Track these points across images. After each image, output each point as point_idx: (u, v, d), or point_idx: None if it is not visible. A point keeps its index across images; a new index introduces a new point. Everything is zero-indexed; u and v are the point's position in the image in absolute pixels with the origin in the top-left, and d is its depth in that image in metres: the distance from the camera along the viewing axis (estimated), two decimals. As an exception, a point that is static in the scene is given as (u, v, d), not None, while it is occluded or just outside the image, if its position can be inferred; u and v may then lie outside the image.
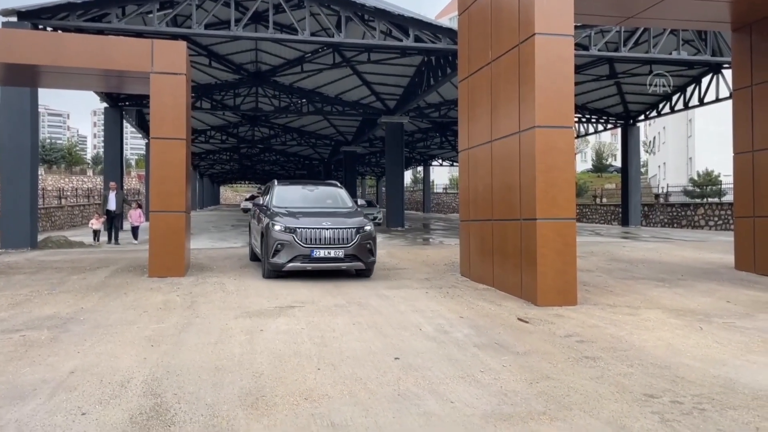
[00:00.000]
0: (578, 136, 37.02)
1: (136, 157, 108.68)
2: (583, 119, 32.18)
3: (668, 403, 4.35)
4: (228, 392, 4.51)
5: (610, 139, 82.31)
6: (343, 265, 10.05)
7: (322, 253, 9.78)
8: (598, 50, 18.68)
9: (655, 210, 32.17)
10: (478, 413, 4.14)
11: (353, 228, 10.03)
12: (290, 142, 41.55)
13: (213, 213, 51.05)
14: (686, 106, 27.19)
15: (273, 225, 9.94)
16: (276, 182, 12.17)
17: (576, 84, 24.69)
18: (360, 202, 28.99)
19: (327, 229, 9.86)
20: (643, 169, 57.09)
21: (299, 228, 9.83)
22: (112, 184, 19.64)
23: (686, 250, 16.00)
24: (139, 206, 19.45)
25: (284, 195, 11.65)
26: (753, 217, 11.65)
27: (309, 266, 9.85)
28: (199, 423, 3.89)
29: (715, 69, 23.58)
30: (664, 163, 59.41)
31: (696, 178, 44.05)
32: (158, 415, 4.03)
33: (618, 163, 63.08)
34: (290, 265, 9.79)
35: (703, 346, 5.98)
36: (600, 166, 69.95)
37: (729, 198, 34.65)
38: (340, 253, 9.84)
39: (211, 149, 48.66)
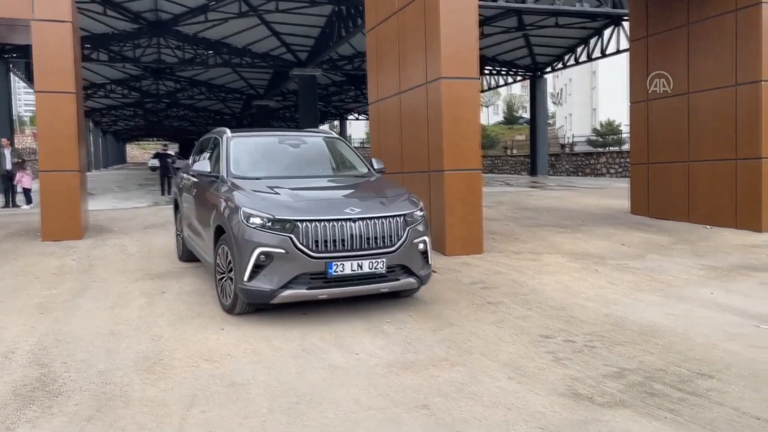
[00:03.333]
0: (489, 89, 37.66)
1: (31, 114, 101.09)
2: (494, 71, 32.65)
3: (561, 343, 4.56)
4: (123, 358, 4.31)
5: (521, 91, 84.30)
6: (385, 287, 5.23)
7: (347, 266, 4.98)
8: (506, 1, 18.83)
9: (562, 159, 33.48)
10: (382, 363, 4.18)
11: (399, 215, 5.26)
12: (198, 96, 39.81)
13: (119, 172, 48.55)
14: (589, 58, 28.12)
15: (244, 214, 5.05)
16: (228, 133, 6.57)
17: (485, 36, 24.93)
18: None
19: (355, 219, 5.05)
20: (551, 121, 59.10)
21: (302, 220, 4.96)
22: (4, 140, 17.79)
23: (588, 197, 16.77)
24: (22, 167, 17.16)
25: (247, 155, 6.41)
26: (647, 163, 12.30)
27: (324, 293, 5.05)
28: (89, 392, 3.70)
29: (616, 21, 24.40)
30: (571, 114, 61.71)
31: (599, 128, 46.02)
32: (44, 385, 3.81)
33: (528, 115, 64.93)
34: (286, 293, 4.95)
35: (597, 287, 6.31)
36: (511, 118, 71.71)
37: (628, 146, 36.50)
38: (380, 265, 5.07)
39: (113, 104, 45.88)
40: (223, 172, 6.06)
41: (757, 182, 9.86)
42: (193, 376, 3.96)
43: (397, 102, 9.82)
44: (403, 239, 5.21)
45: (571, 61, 29.53)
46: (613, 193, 17.79)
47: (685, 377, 3.83)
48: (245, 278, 4.95)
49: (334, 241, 4.97)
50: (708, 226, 10.44)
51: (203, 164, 6.28)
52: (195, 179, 6.90)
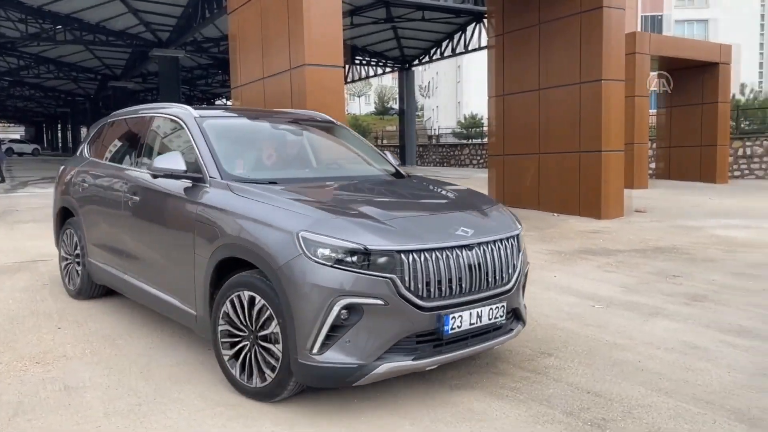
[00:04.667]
0: (360, 79, 37.98)
1: None
2: (364, 62, 32.96)
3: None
4: (-66, 366, 3.80)
5: (392, 82, 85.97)
6: (500, 341, 3.56)
7: (465, 319, 3.21)
8: (374, -8, 18.99)
9: (429, 150, 34.60)
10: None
11: (512, 237, 3.61)
12: (46, 74, 36.41)
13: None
14: (454, 53, 29.24)
15: (307, 242, 3.04)
16: (193, 111, 4.33)
17: (355, 26, 25.07)
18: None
19: (471, 246, 3.30)
20: (420, 113, 60.82)
21: (408, 251, 3.07)
22: None
23: (452, 187, 17.39)
24: None
25: (237, 146, 4.39)
26: (503, 155, 12.99)
27: (434, 362, 3.19)
28: None
29: (478, 18, 25.53)
30: (438, 107, 63.92)
31: (463, 120, 48.04)
32: None
33: (399, 106, 66.27)
34: (383, 369, 3.02)
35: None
36: (383, 109, 72.87)
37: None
38: (500, 311, 3.40)
39: (-57, 81, 40.80)
40: (209, 172, 3.77)
41: (597, 174, 10.76)
42: (20, 381, 3.58)
43: (261, 87, 9.55)
44: (518, 272, 3.55)
45: (437, 55, 30.53)
46: (473, 183, 18.60)
47: (528, 356, 4.06)
48: (313, 348, 2.97)
49: (450, 280, 3.13)
50: (556, 214, 11.24)
51: (173, 159, 3.82)
52: (134, 182, 4.45)
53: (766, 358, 4.00)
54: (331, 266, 2.96)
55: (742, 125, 22.27)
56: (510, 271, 3.47)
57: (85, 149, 5.79)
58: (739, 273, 6.57)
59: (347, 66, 32.09)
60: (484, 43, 25.80)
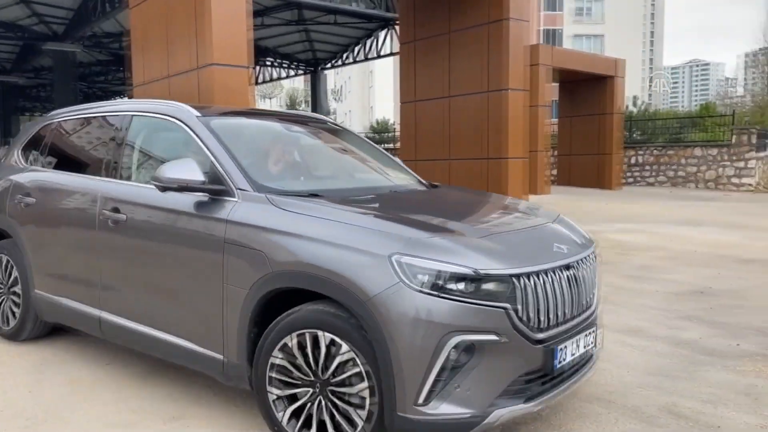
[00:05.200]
0: (270, 80, 37.37)
1: None
2: (275, 63, 32.49)
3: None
4: None
5: (303, 85, 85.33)
6: (590, 374, 3.07)
7: (569, 349, 2.78)
8: (285, -7, 18.77)
9: (341, 154, 34.53)
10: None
11: (593, 250, 3.25)
12: None
13: None
14: (366, 57, 29.39)
15: (410, 269, 2.46)
16: (194, 111, 3.56)
17: (266, 27, 24.66)
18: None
19: (569, 265, 2.86)
20: (332, 116, 60.73)
21: (519, 275, 2.58)
22: None
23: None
24: None
25: (256, 152, 3.71)
26: (415, 160, 13.16)
27: (543, 401, 2.69)
28: None
29: (389, 24, 25.81)
30: (350, 111, 64.13)
31: (375, 125, 48.45)
32: None
33: (310, 109, 65.79)
34: (498, 414, 2.51)
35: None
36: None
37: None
38: (593, 338, 3.02)
39: None
40: (236, 183, 3.09)
41: (503, 180, 11.13)
42: None
43: (166, 86, 9.15)
44: (597, 291, 3.18)
45: (349, 59, 30.59)
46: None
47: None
48: (419, 399, 2.46)
49: (556, 305, 2.73)
50: (465, 219, 11.52)
51: (187, 168, 3.09)
52: (116, 197, 3.61)
53: (658, 358, 4.25)
54: (438, 296, 2.42)
55: (634, 135, 23.80)
56: (594, 291, 3.10)
57: (17, 156, 4.64)
58: (632, 275, 6.97)
59: (257, 67, 31.51)
60: (395, 48, 26.11)
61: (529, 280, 2.58)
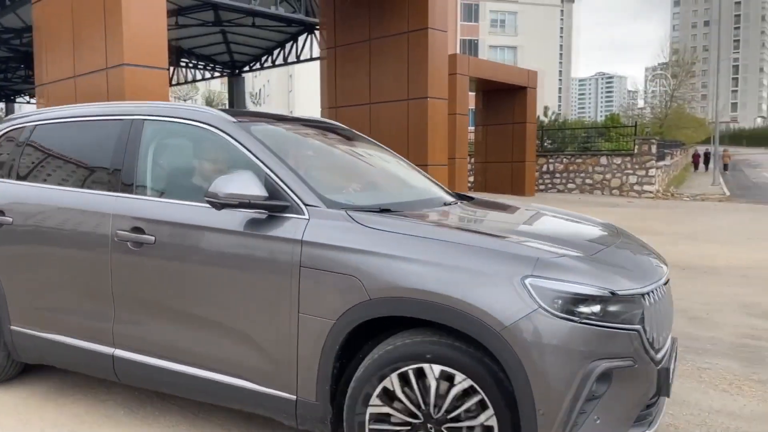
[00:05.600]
0: (186, 82, 36.24)
1: None
2: (191, 65, 31.56)
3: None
4: None
5: (220, 87, 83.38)
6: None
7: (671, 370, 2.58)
8: (202, -7, 18.27)
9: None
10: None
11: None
12: None
13: None
14: (285, 62, 29.05)
15: (553, 293, 2.24)
16: (227, 116, 3.14)
17: (181, 27, 23.90)
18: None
19: (666, 281, 2.75)
20: (250, 120, 59.38)
21: (645, 293, 2.43)
22: None
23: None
24: None
25: (302, 159, 3.38)
26: (335, 166, 13.12)
27: (655, 428, 2.50)
28: None
29: (310, 29, 25.65)
30: (269, 115, 63.13)
31: (296, 130, 48.03)
32: None
33: (227, 112, 63.97)
34: None
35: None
36: (210, 114, 70.05)
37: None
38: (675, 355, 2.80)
39: None
40: (303, 198, 2.73)
41: (424, 186, 11.28)
42: None
43: (72, 86, 8.66)
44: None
45: (269, 63, 30.15)
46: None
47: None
48: None
49: (664, 324, 2.60)
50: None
51: (245, 181, 2.69)
52: (140, 215, 3.09)
53: None
54: (577, 321, 2.21)
55: (546, 144, 24.82)
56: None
57: None
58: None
59: (172, 68, 30.48)
60: (316, 54, 25.98)
61: (651, 298, 2.43)
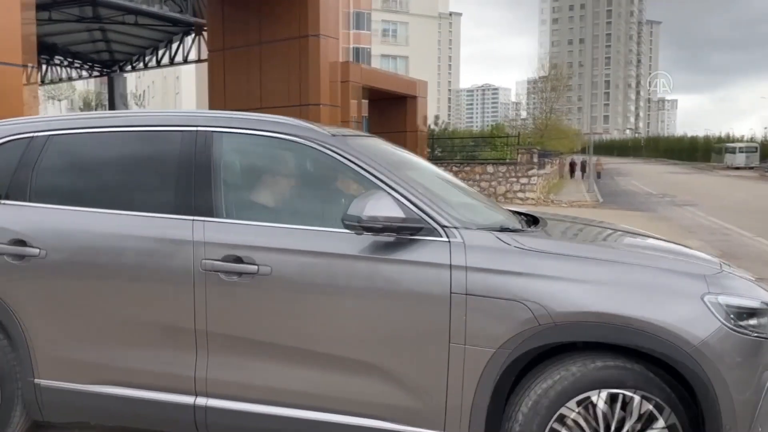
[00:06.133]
0: (61, 80, 33.90)
1: None
2: (65, 63, 29.50)
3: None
4: None
5: (100, 87, 78.63)
6: None
7: None
8: (77, -13, 17.12)
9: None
10: None
11: None
12: None
13: None
14: (171, 62, 27.89)
15: (735, 310, 2.33)
16: (323, 130, 2.80)
17: (55, 22, 22.26)
18: None
19: None
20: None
21: None
22: None
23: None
24: None
25: (414, 180, 2.75)
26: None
27: None
28: None
29: (198, 30, 24.77)
30: (154, 118, 60.40)
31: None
32: None
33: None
34: None
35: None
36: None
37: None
38: None
39: None
40: (441, 219, 2.52)
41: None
42: None
43: None
44: None
45: (153, 63, 28.79)
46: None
47: None
48: None
49: None
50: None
51: (385, 204, 2.45)
52: (244, 243, 2.64)
53: None
54: (749, 335, 2.27)
55: (437, 152, 25.52)
56: None
57: None
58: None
59: (45, 66, 28.31)
60: (204, 55, 25.14)
61: None
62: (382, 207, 2.41)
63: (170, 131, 2.91)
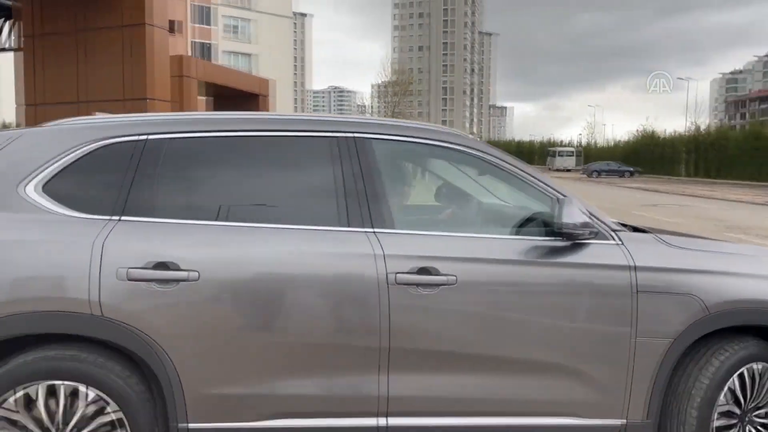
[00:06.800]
0: None
1: None
2: None
3: None
4: None
5: None
6: None
7: None
8: None
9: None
10: None
11: None
12: None
13: None
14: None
15: None
16: (469, 136, 3.20)
17: None
18: None
19: None
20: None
21: None
22: None
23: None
24: None
25: None
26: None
27: None
28: None
29: (17, 14, 22.33)
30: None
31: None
32: None
33: None
34: None
35: None
36: None
37: None
38: None
39: None
40: (604, 221, 2.73)
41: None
42: None
43: None
44: None
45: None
46: None
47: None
48: None
49: None
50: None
51: (575, 211, 2.57)
52: (433, 256, 2.55)
53: None
54: None
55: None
56: None
57: (33, 196, 2.47)
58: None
59: None
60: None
61: None
62: (582, 215, 2.58)
63: (319, 137, 2.71)
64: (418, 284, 2.49)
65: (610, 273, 2.62)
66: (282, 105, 43.11)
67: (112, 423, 2.32)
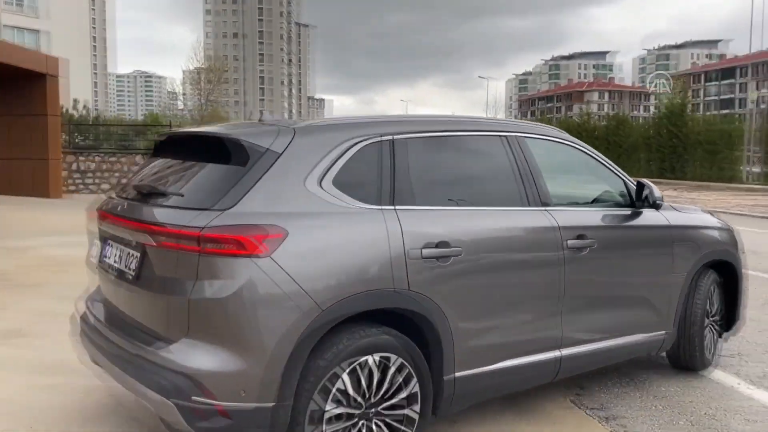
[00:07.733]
0: None
1: None
2: None
3: None
4: None
5: None
6: None
7: None
8: None
9: None
10: None
11: None
12: None
13: None
14: None
15: None
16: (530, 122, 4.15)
17: None
18: None
19: None
20: None
21: None
22: None
23: None
24: None
25: None
26: None
27: None
28: None
29: None
30: None
31: None
32: None
33: None
34: None
35: None
36: None
37: None
38: None
39: None
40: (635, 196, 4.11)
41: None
42: None
43: None
44: None
45: None
46: None
47: None
48: None
49: None
50: None
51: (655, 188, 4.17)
52: (584, 225, 3.64)
53: (77, 395, 3.74)
54: None
55: (77, 140, 22.57)
56: None
57: (322, 188, 2.72)
58: (65, 296, 6.17)
59: None
60: None
61: None
62: (657, 191, 3.96)
63: (493, 135, 3.48)
64: (579, 248, 3.45)
65: (663, 231, 3.98)
66: (79, 89, 38.64)
67: (405, 380, 2.79)
